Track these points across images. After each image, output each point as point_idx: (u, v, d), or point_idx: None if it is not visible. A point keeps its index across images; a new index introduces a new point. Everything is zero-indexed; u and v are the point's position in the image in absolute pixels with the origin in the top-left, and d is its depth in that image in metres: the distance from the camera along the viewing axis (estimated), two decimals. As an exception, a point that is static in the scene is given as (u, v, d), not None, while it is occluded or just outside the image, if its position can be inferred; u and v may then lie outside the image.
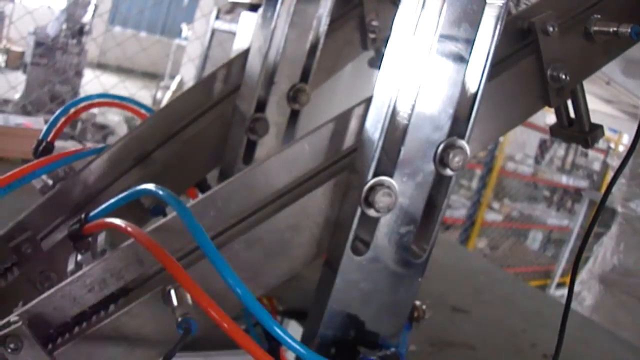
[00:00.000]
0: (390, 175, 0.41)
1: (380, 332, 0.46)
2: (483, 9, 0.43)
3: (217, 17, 3.74)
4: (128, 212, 0.43)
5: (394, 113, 0.41)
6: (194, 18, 6.15)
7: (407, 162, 0.42)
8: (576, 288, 2.00)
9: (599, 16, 0.52)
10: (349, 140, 0.44)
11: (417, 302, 0.53)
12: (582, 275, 2.01)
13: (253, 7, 0.79)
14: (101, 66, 6.30)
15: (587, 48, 0.53)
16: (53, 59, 4.26)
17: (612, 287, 1.90)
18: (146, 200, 0.57)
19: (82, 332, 0.44)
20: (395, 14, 0.73)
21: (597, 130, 0.59)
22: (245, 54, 0.66)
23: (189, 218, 0.36)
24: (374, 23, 0.71)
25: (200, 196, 0.43)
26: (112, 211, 0.47)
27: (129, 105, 0.69)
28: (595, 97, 5.12)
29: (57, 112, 0.63)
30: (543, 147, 5.23)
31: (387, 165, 0.41)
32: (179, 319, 0.38)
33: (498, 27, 0.44)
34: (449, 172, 0.43)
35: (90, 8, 4.47)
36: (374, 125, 0.41)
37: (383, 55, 0.78)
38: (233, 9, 4.00)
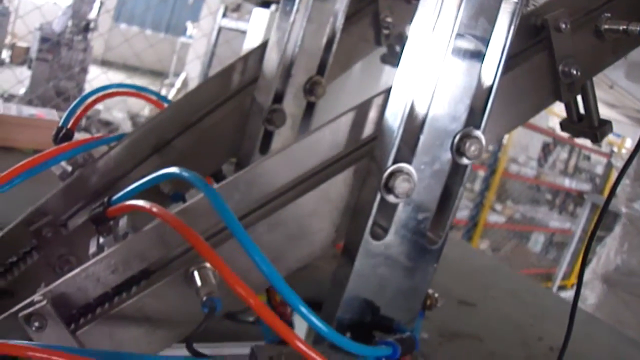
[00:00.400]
0: (409, 163, 0.42)
1: (396, 317, 0.47)
2: (500, 5, 0.45)
3: (224, 15, 3.76)
4: (147, 198, 0.44)
5: (413, 104, 0.43)
6: (200, 16, 6.17)
7: (425, 150, 0.43)
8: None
9: (609, 15, 0.54)
10: (368, 129, 0.46)
11: (430, 291, 0.54)
12: (585, 275, 2.02)
13: (265, 4, 0.80)
14: (106, 63, 6.33)
15: (598, 45, 0.55)
16: (58, 55, 4.28)
17: (615, 286, 1.91)
18: (166, 186, 0.59)
19: (104, 312, 0.45)
20: (408, 11, 0.75)
21: (605, 126, 0.60)
22: (262, 47, 0.67)
23: (216, 198, 0.37)
24: (388, 19, 0.72)
25: (224, 181, 0.44)
26: (134, 195, 0.48)
27: (147, 95, 0.71)
28: (598, 101, 5.11)
29: (77, 99, 0.65)
30: (546, 150, 5.24)
31: (406, 153, 0.43)
32: (204, 298, 0.39)
33: (513, 22, 0.45)
34: (465, 160, 0.44)
35: (96, 5, 4.50)
36: (394, 115, 0.43)
37: (395, 51, 0.80)
38: (239, 6, 4.02)
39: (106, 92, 0.67)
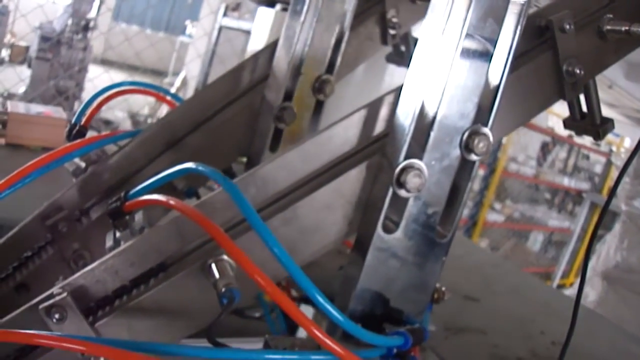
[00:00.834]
0: (420, 159, 0.44)
1: (405, 309, 0.48)
2: (507, 6, 0.46)
3: (225, 14, 3.76)
4: (161, 193, 0.46)
5: (424, 102, 0.44)
6: (199, 15, 6.17)
7: (435, 147, 0.44)
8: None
9: (611, 16, 0.55)
10: (380, 126, 0.47)
11: (438, 285, 0.56)
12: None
13: (271, 3, 0.81)
14: (105, 62, 6.33)
15: (600, 46, 0.56)
16: (58, 54, 4.28)
17: (615, 283, 1.93)
18: (179, 182, 0.60)
19: (122, 305, 0.46)
20: (414, 11, 0.76)
21: (607, 124, 0.62)
22: (271, 46, 0.69)
23: (235, 191, 0.39)
24: (394, 19, 0.74)
25: (241, 175, 0.46)
26: (150, 191, 0.49)
27: (159, 94, 0.72)
28: (597, 100, 5.12)
29: (90, 96, 0.66)
30: (545, 149, 5.26)
31: (417, 150, 0.44)
32: (223, 289, 0.40)
33: (520, 23, 0.47)
34: (473, 157, 0.46)
35: (96, 4, 4.49)
36: (405, 113, 0.44)
37: (400, 50, 0.82)
38: (239, 5, 4.03)
39: (118, 90, 0.68)
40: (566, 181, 5.48)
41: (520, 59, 0.52)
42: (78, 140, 0.63)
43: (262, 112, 0.67)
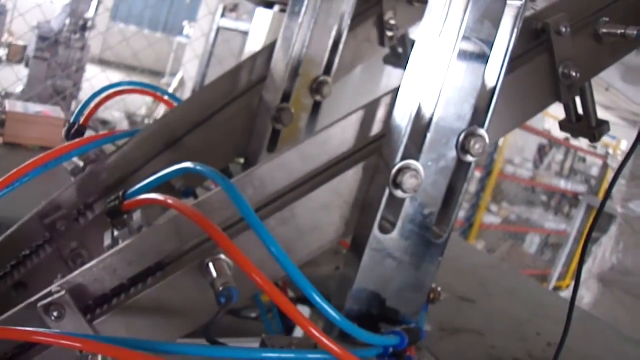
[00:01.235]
0: (417, 160, 0.44)
1: (401, 309, 0.49)
2: (504, 8, 0.46)
3: (223, 15, 3.77)
4: (159, 193, 0.46)
5: (420, 104, 0.44)
6: (197, 16, 6.17)
7: (431, 148, 0.45)
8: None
9: (607, 19, 0.56)
10: (377, 127, 0.48)
11: (433, 285, 0.56)
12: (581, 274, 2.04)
13: (269, 4, 0.82)
14: (102, 62, 6.32)
15: (596, 48, 0.57)
16: (56, 54, 4.27)
17: (610, 286, 1.94)
18: (177, 182, 0.61)
19: (120, 303, 0.46)
20: (411, 13, 0.77)
21: (603, 126, 0.62)
22: (269, 47, 0.69)
23: (233, 191, 0.39)
24: (392, 21, 0.74)
25: (239, 175, 0.46)
26: (148, 190, 0.49)
27: (158, 94, 0.72)
28: (594, 103, 5.14)
29: (89, 96, 0.66)
30: (542, 152, 5.27)
31: (414, 151, 0.44)
32: (221, 289, 0.41)
33: (517, 26, 0.47)
34: (469, 158, 0.46)
35: (94, 4, 4.49)
36: (402, 114, 0.45)
37: (398, 52, 0.82)
38: (237, 6, 4.03)
39: (117, 90, 0.69)
40: (563, 184, 5.50)
41: (516, 61, 0.53)
42: (77, 140, 0.63)
43: (260, 113, 0.67)
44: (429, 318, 0.59)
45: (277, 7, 0.85)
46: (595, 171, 5.63)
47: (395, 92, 0.47)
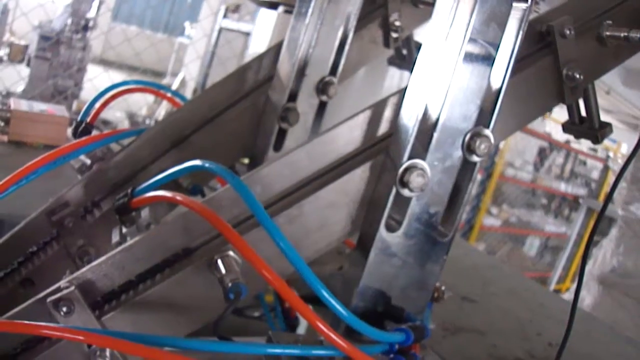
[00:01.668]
0: (423, 159, 0.45)
1: (406, 307, 0.49)
2: (510, 10, 0.47)
3: (225, 16, 3.77)
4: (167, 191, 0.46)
5: (427, 104, 0.45)
6: (199, 16, 6.18)
7: (438, 147, 0.46)
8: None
9: (610, 22, 0.56)
10: (384, 126, 0.48)
11: (437, 284, 0.57)
12: (582, 276, 2.05)
13: (273, 5, 0.82)
14: (103, 62, 6.32)
15: (600, 51, 0.57)
16: (57, 54, 4.27)
17: (611, 288, 1.94)
18: (184, 180, 0.61)
19: (129, 299, 0.46)
20: (416, 15, 0.78)
21: (606, 128, 0.63)
22: (276, 48, 0.70)
23: (242, 188, 0.39)
24: (397, 23, 0.75)
25: (247, 174, 0.47)
26: (156, 187, 0.49)
27: (164, 93, 0.73)
28: (594, 106, 5.14)
29: (97, 94, 0.67)
30: (542, 155, 5.28)
31: (420, 150, 0.45)
32: (230, 285, 0.41)
33: (522, 28, 0.48)
34: (475, 158, 0.47)
35: (95, 3, 4.49)
36: (409, 114, 0.45)
37: (402, 53, 0.83)
38: (238, 7, 4.04)
39: (124, 88, 0.69)
40: (563, 186, 5.51)
41: (521, 63, 0.53)
42: (85, 138, 0.64)
43: (266, 112, 0.68)
44: (431, 317, 0.59)
45: (281, 8, 0.85)
46: (595, 174, 5.63)
47: (402, 92, 0.48)
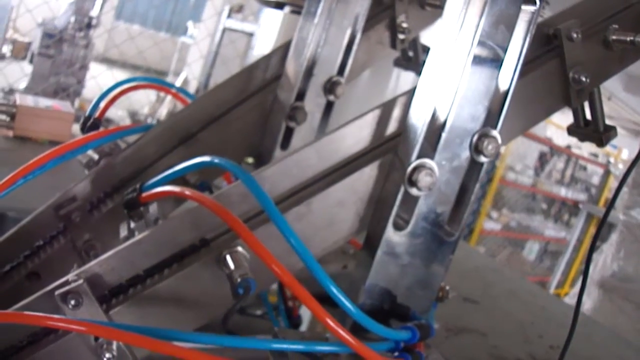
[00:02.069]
0: (431, 159, 0.45)
1: (412, 306, 0.50)
2: (518, 13, 0.48)
3: (229, 16, 3.78)
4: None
5: (436, 105, 0.46)
6: (202, 16, 6.19)
7: (446, 147, 0.46)
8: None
9: (617, 26, 0.57)
10: (392, 126, 0.49)
11: (442, 284, 0.57)
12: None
13: (279, 5, 0.83)
14: (105, 61, 6.33)
15: (606, 55, 0.58)
16: (60, 51, 4.28)
17: (611, 292, 1.95)
18: (192, 176, 0.62)
19: (136, 293, 0.46)
20: (423, 17, 0.78)
21: (611, 131, 0.63)
22: (284, 47, 0.70)
23: (253, 183, 0.40)
24: (404, 24, 0.75)
25: (257, 170, 0.47)
26: (165, 183, 0.50)
27: (171, 90, 0.73)
28: (596, 112, 5.15)
29: (105, 89, 0.67)
30: (543, 159, 5.29)
31: (428, 150, 0.45)
32: (239, 280, 0.41)
33: (530, 31, 0.48)
34: (482, 158, 0.47)
35: (99, 2, 4.50)
36: (418, 115, 0.46)
37: (408, 55, 0.83)
38: (242, 7, 4.05)
39: (133, 85, 0.70)
40: (563, 191, 5.51)
41: (528, 65, 0.54)
42: (93, 133, 0.64)
43: (273, 111, 0.68)
44: (434, 317, 0.60)
45: (287, 8, 0.86)
46: (595, 180, 5.64)
47: (410, 92, 0.48)
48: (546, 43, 0.56)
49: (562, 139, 5.37)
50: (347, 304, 0.40)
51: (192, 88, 5.14)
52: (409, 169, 0.45)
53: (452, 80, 0.46)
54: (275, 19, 2.68)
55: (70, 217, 0.62)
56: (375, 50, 0.75)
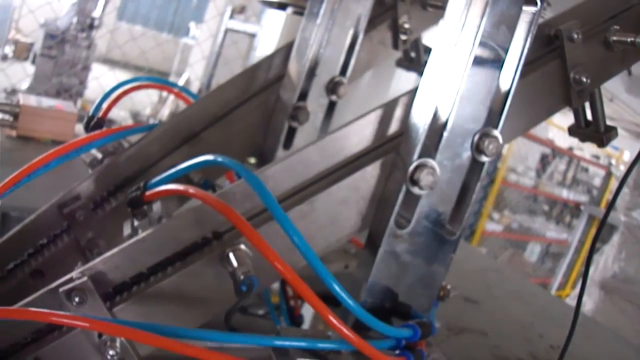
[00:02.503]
0: (433, 158, 0.46)
1: (413, 304, 0.50)
2: (519, 14, 0.48)
3: (231, 17, 3.79)
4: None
5: (438, 105, 0.46)
6: (205, 17, 6.20)
7: (447, 147, 0.46)
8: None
9: (618, 27, 0.57)
10: (394, 125, 0.49)
11: (443, 283, 0.57)
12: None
13: (281, 6, 0.83)
14: (107, 61, 6.35)
15: (607, 55, 0.58)
16: (62, 52, 4.29)
17: (612, 293, 1.95)
18: (195, 175, 0.62)
19: (140, 291, 0.47)
20: (425, 18, 0.78)
21: (611, 131, 0.63)
22: (287, 47, 0.71)
23: (256, 182, 0.40)
24: (406, 25, 0.76)
25: (260, 169, 0.47)
26: (169, 181, 0.50)
27: (174, 89, 0.74)
28: (597, 114, 5.15)
29: (108, 89, 0.68)
30: (544, 161, 5.29)
31: (430, 149, 0.46)
32: (242, 277, 0.42)
33: (531, 31, 0.48)
34: (484, 158, 0.47)
35: (101, 2, 4.51)
36: (420, 114, 0.46)
37: (410, 56, 0.83)
38: (244, 8, 4.06)
39: (136, 84, 0.70)
40: (565, 193, 5.51)
41: (529, 65, 0.54)
42: (97, 132, 0.64)
43: (276, 111, 0.69)
44: (436, 317, 0.60)
45: (290, 9, 0.86)
46: (597, 181, 5.64)
47: (412, 92, 0.49)
48: (547, 44, 0.56)
49: (564, 140, 5.37)
50: (349, 301, 0.40)
51: (194, 89, 5.15)
52: (411, 168, 0.45)
53: (454, 80, 0.46)
54: (277, 20, 2.69)
55: (74, 215, 0.62)
56: (377, 50, 0.76)
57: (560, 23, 0.55)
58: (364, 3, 0.68)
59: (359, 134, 0.48)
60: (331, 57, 0.68)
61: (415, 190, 0.45)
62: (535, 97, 0.55)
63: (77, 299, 0.44)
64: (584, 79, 0.55)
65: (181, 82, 5.74)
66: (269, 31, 2.82)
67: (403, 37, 0.76)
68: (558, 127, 4.61)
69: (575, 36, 0.55)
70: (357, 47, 0.70)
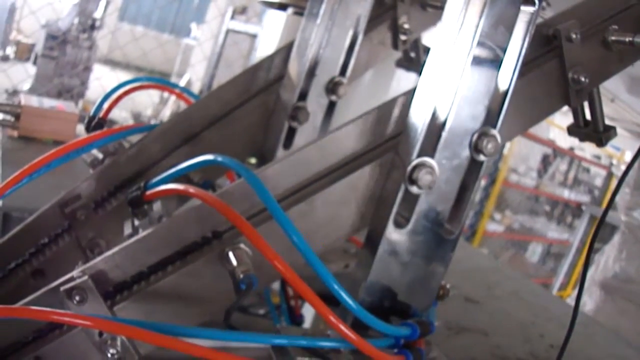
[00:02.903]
0: (432, 157, 0.46)
1: (412, 303, 0.50)
2: (517, 14, 0.48)
3: (232, 17, 3.80)
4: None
5: (436, 104, 0.46)
6: (206, 17, 6.21)
7: (446, 146, 0.47)
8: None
9: (616, 27, 0.57)
10: (392, 125, 0.49)
11: (442, 282, 0.58)
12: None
13: (282, 7, 0.83)
14: (109, 62, 6.36)
15: (605, 55, 0.58)
16: (64, 52, 4.30)
17: (612, 293, 1.95)
18: (195, 175, 0.62)
19: (140, 290, 0.47)
20: (425, 18, 0.79)
21: (610, 131, 0.63)
22: (287, 47, 0.71)
23: (256, 181, 0.40)
24: (406, 26, 0.76)
25: (260, 168, 0.48)
26: (169, 181, 0.50)
27: (175, 90, 0.74)
28: (599, 114, 5.14)
29: (109, 89, 0.68)
30: (546, 161, 5.29)
31: (429, 149, 0.46)
32: (241, 276, 0.42)
33: (529, 31, 0.49)
34: (482, 157, 0.48)
35: (102, 3, 4.52)
36: (418, 114, 0.47)
37: (410, 56, 0.84)
38: (245, 9, 4.06)
39: (137, 85, 0.70)
40: (566, 193, 5.51)
41: (528, 65, 0.54)
42: (98, 132, 0.65)
43: (276, 111, 0.69)
44: (436, 316, 0.60)
45: (290, 10, 0.87)
46: (598, 181, 5.64)
47: (410, 92, 0.49)
48: (546, 43, 0.56)
49: (565, 140, 5.37)
50: (348, 300, 0.40)
51: (195, 89, 5.16)
52: (410, 167, 0.45)
53: (452, 80, 0.46)
54: (278, 20, 2.70)
55: (75, 215, 0.63)
56: (377, 51, 0.76)
57: (558, 23, 0.56)
58: (363, 3, 0.69)
59: (358, 134, 0.48)
60: (331, 57, 0.69)
61: (414, 189, 0.45)
62: (534, 96, 0.55)
63: (77, 298, 0.45)
64: (583, 79, 0.56)
65: (182, 82, 5.75)
66: (270, 32, 2.82)
67: (403, 37, 0.76)
68: (559, 127, 4.61)
69: (574, 36, 0.55)
70: (356, 47, 0.70)
